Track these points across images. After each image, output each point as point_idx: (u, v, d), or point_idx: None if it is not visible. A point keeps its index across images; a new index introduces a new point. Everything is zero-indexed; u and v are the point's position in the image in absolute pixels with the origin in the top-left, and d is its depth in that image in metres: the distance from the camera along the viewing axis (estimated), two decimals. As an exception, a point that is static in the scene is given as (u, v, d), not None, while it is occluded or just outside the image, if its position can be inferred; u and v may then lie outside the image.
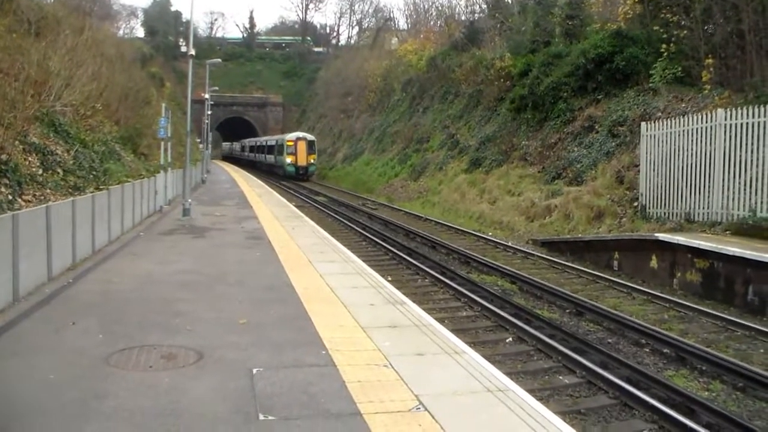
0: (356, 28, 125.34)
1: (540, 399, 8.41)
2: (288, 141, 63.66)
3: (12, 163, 14.84)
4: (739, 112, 18.17)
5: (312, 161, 64.16)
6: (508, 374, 9.03)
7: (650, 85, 26.10)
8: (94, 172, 20.50)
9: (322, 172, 69.11)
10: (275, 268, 14.88)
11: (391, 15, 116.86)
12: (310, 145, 64.05)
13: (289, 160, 62.70)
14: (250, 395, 7.17)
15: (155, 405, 6.92)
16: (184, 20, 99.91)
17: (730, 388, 10.29)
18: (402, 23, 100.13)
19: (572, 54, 31.43)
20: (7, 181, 14.33)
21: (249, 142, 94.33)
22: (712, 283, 16.06)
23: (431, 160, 44.21)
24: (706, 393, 10.08)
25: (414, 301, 12.56)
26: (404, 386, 7.51)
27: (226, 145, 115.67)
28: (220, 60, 56.65)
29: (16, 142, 16.10)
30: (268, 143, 75.51)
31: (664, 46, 25.38)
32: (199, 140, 61.61)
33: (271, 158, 72.40)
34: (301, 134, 66.34)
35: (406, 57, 65.37)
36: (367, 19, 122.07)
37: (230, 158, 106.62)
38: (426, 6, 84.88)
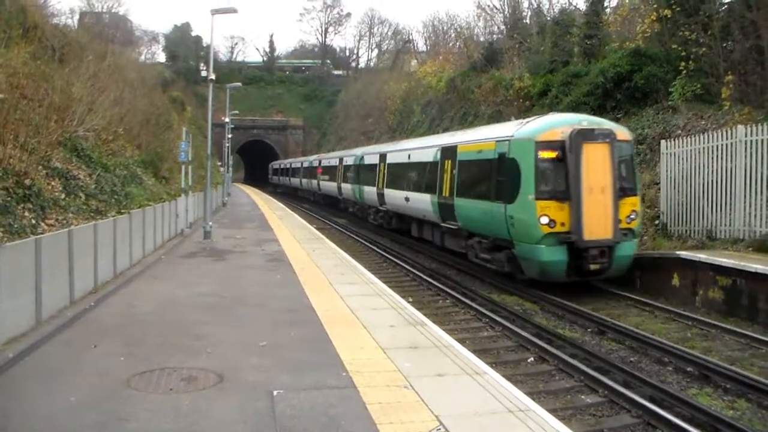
0: (375, 51, 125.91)
1: (562, 419, 8.35)
2: (539, 141, 17.45)
3: (35, 187, 15.05)
4: (760, 128, 17.98)
5: (630, 221, 17.98)
6: (530, 394, 9.00)
7: (669, 103, 25.95)
8: (116, 196, 20.70)
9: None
10: (296, 290, 14.92)
11: (410, 37, 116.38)
12: (622, 164, 18.09)
13: (545, 219, 17.08)
14: (270, 417, 7.19)
15: (176, 427, 6.96)
16: (204, 45, 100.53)
17: (755, 407, 10.15)
18: (421, 45, 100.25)
19: (591, 73, 31.34)
20: (31, 206, 14.53)
21: (330, 159, 51.09)
22: (735, 300, 15.86)
23: (452, 181, 43.98)
24: (731, 412, 9.95)
25: (435, 322, 12.55)
26: (425, 407, 7.49)
27: (275, 165, 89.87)
28: (240, 84, 57.33)
29: (40, 167, 16.33)
30: (418, 156, 27.43)
31: (683, 63, 25.25)
32: (219, 163, 61.77)
33: (423, 202, 25.72)
34: (584, 120, 18.34)
35: (425, 78, 65.24)
36: (387, 42, 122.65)
37: (285, 189, 78.92)
38: (445, 28, 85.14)
